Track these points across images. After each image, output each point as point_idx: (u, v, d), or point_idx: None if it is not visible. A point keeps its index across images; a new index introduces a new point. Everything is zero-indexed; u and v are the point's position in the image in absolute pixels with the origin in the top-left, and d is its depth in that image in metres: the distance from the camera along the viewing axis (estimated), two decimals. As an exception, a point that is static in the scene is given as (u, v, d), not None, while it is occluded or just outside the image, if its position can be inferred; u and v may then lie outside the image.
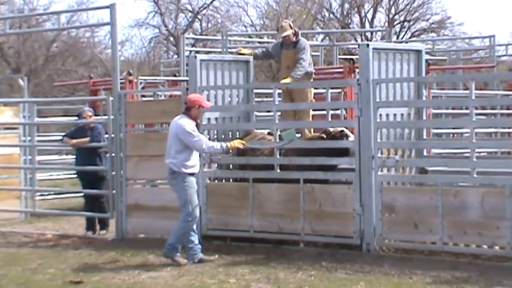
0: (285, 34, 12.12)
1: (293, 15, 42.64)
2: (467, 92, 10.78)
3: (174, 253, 10.38)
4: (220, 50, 21.58)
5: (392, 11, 43.92)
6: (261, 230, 11.31)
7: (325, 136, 11.06)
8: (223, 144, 10.56)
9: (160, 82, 19.15)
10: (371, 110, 10.47)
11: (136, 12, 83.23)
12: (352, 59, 16.76)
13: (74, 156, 14.23)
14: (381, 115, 10.70)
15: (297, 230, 11.02)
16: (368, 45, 10.80)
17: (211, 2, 44.92)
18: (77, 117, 14.16)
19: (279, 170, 11.22)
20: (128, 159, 12.58)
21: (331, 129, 11.08)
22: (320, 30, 40.64)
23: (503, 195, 9.58)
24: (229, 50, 20.26)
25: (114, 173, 12.81)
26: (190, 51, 24.92)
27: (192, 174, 10.39)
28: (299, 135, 11.92)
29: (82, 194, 14.29)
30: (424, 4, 43.66)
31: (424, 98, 11.91)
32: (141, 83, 17.40)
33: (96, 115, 14.76)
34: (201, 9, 45.10)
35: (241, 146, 10.74)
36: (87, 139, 13.35)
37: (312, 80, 12.38)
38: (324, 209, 10.84)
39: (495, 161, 11.56)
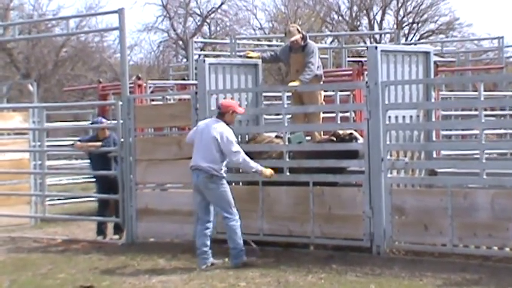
0: (293, 39, 12.12)
1: (302, 18, 42.66)
2: (476, 93, 10.77)
3: (243, 257, 10.34)
4: (229, 53, 21.62)
5: (401, 13, 43.87)
6: (270, 233, 11.31)
7: (335, 139, 11.05)
8: (259, 167, 10.58)
9: (169, 86, 19.17)
10: (380, 112, 10.46)
11: (145, 17, 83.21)
12: (360, 61, 16.75)
13: (88, 161, 14.26)
14: (390, 117, 10.69)
15: (307, 232, 11.02)
16: (376, 47, 10.80)
17: (219, 6, 44.97)
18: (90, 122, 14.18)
19: (288, 173, 11.22)
20: (137, 164, 12.59)
21: (341, 132, 11.08)
22: (329, 32, 40.63)
23: (513, 197, 9.56)
24: (238, 54, 20.29)
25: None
26: (199, 55, 24.99)
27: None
28: (309, 137, 11.93)
29: (93, 199, 14.29)
30: (433, 6, 43.62)
31: (433, 100, 11.89)
32: (150, 87, 17.42)
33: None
34: (210, 13, 45.12)
35: (270, 177, 10.72)
36: (98, 143, 13.36)
37: (321, 82, 12.38)
38: (333, 211, 10.83)
39: (505, 162, 11.55)
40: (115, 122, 13.31)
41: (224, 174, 10.43)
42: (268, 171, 10.66)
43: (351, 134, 11.01)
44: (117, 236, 13.38)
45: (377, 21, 44.04)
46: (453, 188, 10.05)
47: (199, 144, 10.47)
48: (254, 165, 10.55)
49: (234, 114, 10.63)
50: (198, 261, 10.40)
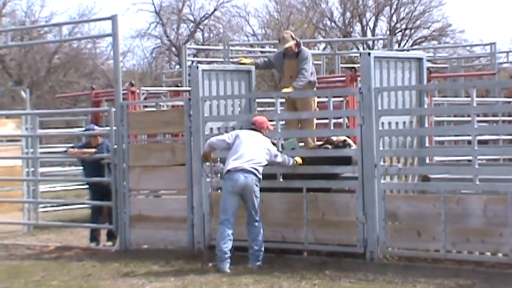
0: (287, 45, 12.14)
1: (294, 24, 42.66)
2: (469, 99, 10.79)
3: (261, 260, 10.57)
4: (222, 59, 21.64)
5: (394, 19, 43.94)
6: (264, 239, 11.28)
7: (330, 147, 11.06)
8: (293, 160, 11.01)
9: (162, 92, 19.17)
10: (373, 118, 10.47)
11: (138, 23, 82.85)
12: (354, 67, 16.78)
13: (81, 168, 14.25)
14: (383, 123, 10.70)
15: (300, 239, 11.02)
16: (369, 53, 10.82)
17: (212, 12, 45.00)
18: (82, 129, 14.16)
19: (281, 179, 11.23)
20: (131, 170, 12.58)
21: (334, 138, 11.09)
22: (322, 39, 40.65)
23: (506, 202, 9.57)
24: (231, 60, 20.31)
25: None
26: (192, 61, 24.96)
27: None
28: (302, 144, 11.94)
29: (87, 206, 14.26)
30: (426, 12, 43.72)
31: (425, 106, 11.91)
32: (143, 93, 17.42)
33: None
34: (203, 19, 45.14)
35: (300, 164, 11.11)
36: (91, 150, 13.37)
37: (315, 89, 12.40)
38: (327, 217, 10.84)
39: (497, 168, 11.57)
40: (108, 128, 13.30)
41: None
42: (298, 159, 11.07)
43: (345, 140, 11.02)
44: (110, 243, 13.36)
45: (370, 28, 44.12)
46: (446, 194, 10.07)
47: (246, 149, 10.59)
48: (292, 161, 10.96)
49: (267, 130, 10.98)
50: (223, 264, 10.38)
